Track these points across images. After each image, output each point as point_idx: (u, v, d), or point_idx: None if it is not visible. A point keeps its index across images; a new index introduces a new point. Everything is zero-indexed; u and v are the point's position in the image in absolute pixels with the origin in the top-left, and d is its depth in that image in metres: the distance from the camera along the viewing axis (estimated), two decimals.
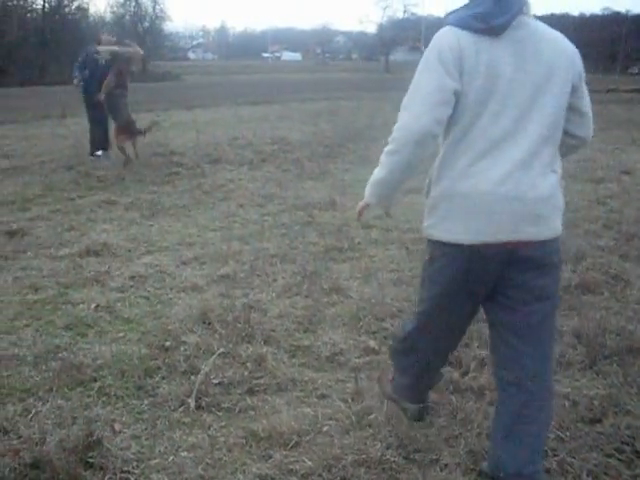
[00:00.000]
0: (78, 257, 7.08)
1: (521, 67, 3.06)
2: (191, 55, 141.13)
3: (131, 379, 4.47)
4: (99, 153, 13.43)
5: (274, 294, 5.97)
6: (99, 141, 13.62)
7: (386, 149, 3.21)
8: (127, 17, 78.57)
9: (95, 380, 4.46)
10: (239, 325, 5.17)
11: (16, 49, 53.17)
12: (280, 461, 3.57)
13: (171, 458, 3.63)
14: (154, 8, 78.61)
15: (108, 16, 79.82)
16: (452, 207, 3.14)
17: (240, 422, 3.99)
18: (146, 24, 78.51)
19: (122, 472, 3.49)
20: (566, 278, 6.17)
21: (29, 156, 13.86)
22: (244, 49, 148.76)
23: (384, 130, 3.75)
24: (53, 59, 53.91)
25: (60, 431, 3.76)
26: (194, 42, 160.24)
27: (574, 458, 3.55)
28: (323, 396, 4.28)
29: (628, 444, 3.70)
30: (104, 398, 4.25)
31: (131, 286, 6.25)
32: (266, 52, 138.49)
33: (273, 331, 5.18)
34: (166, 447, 3.74)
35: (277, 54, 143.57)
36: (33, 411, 4.05)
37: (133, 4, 77.66)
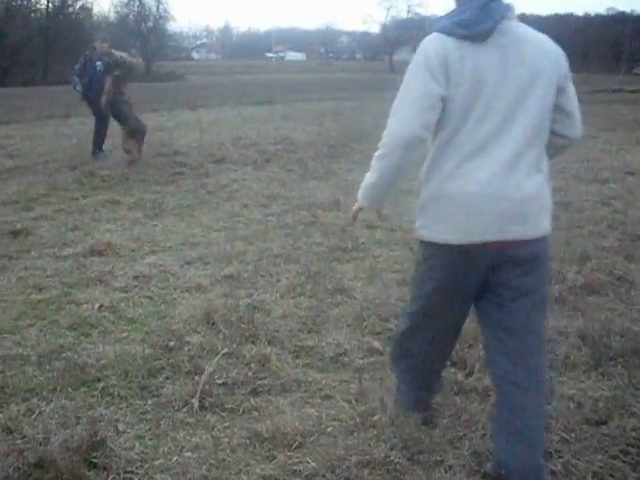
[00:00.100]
0: (82, 257, 7.08)
1: (505, 71, 3.15)
2: (195, 55, 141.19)
3: (135, 379, 4.46)
4: (96, 154, 13.46)
5: (278, 294, 5.96)
6: (100, 140, 13.66)
7: (376, 154, 3.31)
8: (131, 17, 78.78)
9: (99, 380, 4.46)
10: (243, 325, 5.16)
11: (20, 49, 53.28)
12: (284, 462, 3.56)
13: (175, 458, 3.63)
14: (158, 8, 78.86)
15: (112, 16, 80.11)
16: (440, 208, 3.24)
17: (244, 423, 3.99)
18: (150, 24, 78.70)
19: (126, 472, 3.49)
20: (571, 279, 6.17)
21: (33, 156, 13.87)
22: (248, 49, 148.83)
23: None
24: (57, 59, 54.01)
25: (64, 431, 3.76)
26: (198, 42, 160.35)
27: (579, 460, 3.54)
28: (327, 397, 4.27)
29: (633, 446, 3.68)
30: (108, 398, 4.25)
31: (135, 286, 6.25)
32: (270, 52, 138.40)
33: (277, 331, 5.18)
34: (170, 447, 3.73)
35: (281, 54, 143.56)
36: (37, 411, 4.05)
37: (137, 4, 77.90)
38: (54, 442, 3.61)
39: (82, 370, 4.54)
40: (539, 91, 3.20)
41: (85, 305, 5.76)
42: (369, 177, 3.41)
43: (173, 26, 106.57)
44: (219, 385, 4.35)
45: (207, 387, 4.25)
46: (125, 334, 5.21)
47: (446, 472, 3.47)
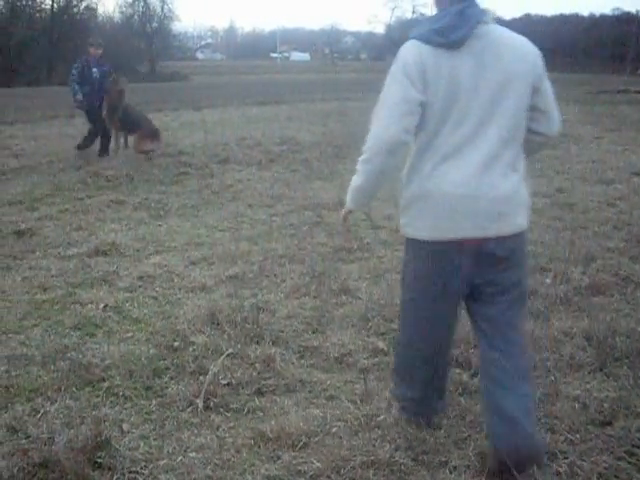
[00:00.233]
0: (86, 257, 7.08)
1: (481, 75, 3.30)
2: (199, 55, 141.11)
3: (139, 379, 4.47)
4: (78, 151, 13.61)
5: (283, 295, 5.97)
6: (89, 142, 13.79)
7: (361, 158, 3.48)
8: (136, 17, 78.72)
9: (103, 380, 4.46)
10: (248, 326, 5.16)
11: (25, 49, 53.28)
12: (289, 462, 3.56)
13: (179, 458, 3.63)
14: (162, 8, 78.79)
15: (117, 16, 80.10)
16: (421, 207, 3.43)
17: (248, 423, 3.99)
18: (154, 24, 78.69)
19: (130, 472, 3.49)
20: (576, 280, 6.17)
21: (37, 156, 13.87)
22: (252, 49, 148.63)
23: None
24: (61, 59, 53.93)
25: (68, 431, 3.76)
26: (202, 42, 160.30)
27: (584, 461, 3.53)
28: (332, 397, 4.28)
29: (639, 447, 3.67)
30: (112, 398, 4.26)
31: (139, 286, 6.26)
32: (274, 52, 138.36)
33: (282, 332, 5.18)
34: (174, 447, 3.74)
35: (285, 54, 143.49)
36: (42, 411, 4.05)
37: (142, 4, 77.84)
38: (59, 442, 3.62)
39: (87, 370, 4.55)
40: (514, 93, 3.34)
41: (90, 305, 5.76)
42: (355, 180, 3.56)
43: (178, 26, 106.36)
44: (224, 385, 4.35)
45: (212, 387, 4.25)
46: (130, 334, 5.21)
47: (451, 473, 3.47)
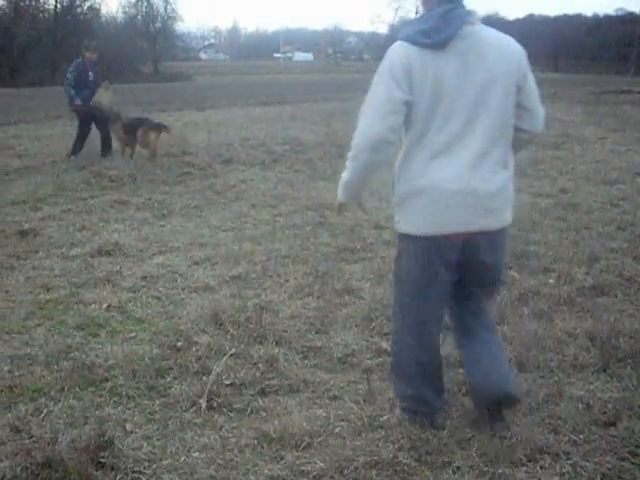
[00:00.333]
0: (90, 257, 7.09)
1: (465, 75, 3.46)
2: (203, 55, 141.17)
3: (143, 379, 4.47)
4: (72, 157, 13.60)
5: (286, 295, 5.96)
6: (78, 146, 13.83)
7: (349, 154, 3.66)
8: (139, 17, 78.83)
9: (107, 380, 4.46)
10: (251, 326, 5.17)
11: (28, 49, 53.40)
12: (292, 462, 3.56)
13: (183, 458, 3.63)
14: (166, 8, 78.94)
15: (120, 16, 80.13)
16: (413, 204, 3.59)
17: (252, 423, 3.98)
18: (158, 24, 78.80)
19: (134, 472, 3.49)
20: (579, 280, 6.16)
21: (41, 156, 13.91)
22: (256, 49, 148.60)
23: None
24: (65, 59, 53.82)
25: (72, 431, 3.77)
26: (206, 42, 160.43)
27: (588, 461, 3.53)
28: (335, 397, 4.27)
29: None
30: (116, 398, 4.26)
31: (143, 286, 6.26)
32: (278, 52, 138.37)
33: (285, 332, 5.18)
34: (178, 447, 3.74)
35: (289, 54, 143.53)
36: (45, 411, 4.06)
37: (145, 4, 77.96)
38: (62, 442, 3.62)
39: (90, 370, 4.55)
40: (499, 92, 3.50)
41: (93, 305, 5.76)
42: (344, 175, 3.75)
43: (181, 26, 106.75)
44: (227, 385, 4.35)
45: (215, 387, 4.25)
46: (133, 334, 5.22)
47: (454, 473, 3.46)
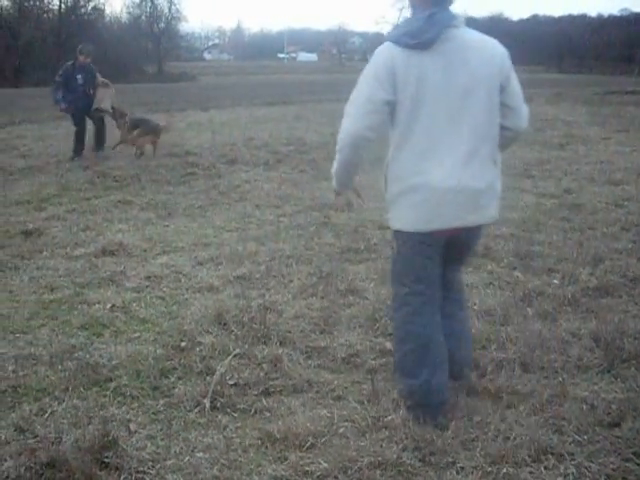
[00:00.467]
0: (94, 257, 7.10)
1: (449, 76, 3.63)
2: (207, 56, 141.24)
3: (147, 379, 4.47)
4: (76, 158, 13.62)
5: (290, 295, 5.96)
6: (80, 146, 13.88)
7: (336, 148, 3.88)
8: (143, 18, 78.93)
9: (111, 380, 4.47)
10: (255, 326, 5.16)
11: (32, 49, 53.39)
12: (296, 462, 3.56)
13: (186, 459, 3.63)
14: (170, 9, 78.99)
15: (124, 17, 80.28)
16: (406, 202, 3.77)
17: (256, 423, 3.99)
18: (162, 25, 78.89)
19: (137, 472, 3.49)
20: (584, 281, 6.16)
21: (45, 156, 13.93)
22: (260, 50, 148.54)
23: None
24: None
25: (76, 431, 3.77)
26: (210, 43, 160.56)
27: (592, 462, 3.53)
28: (339, 398, 4.27)
29: None
30: (120, 398, 4.26)
31: (147, 286, 6.26)
32: (282, 53, 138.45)
33: (289, 332, 5.17)
34: (181, 448, 3.74)
35: (293, 55, 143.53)
36: (49, 411, 4.06)
37: (149, 5, 78.07)
38: (66, 442, 3.63)
39: (94, 370, 4.56)
40: (483, 92, 3.68)
41: (97, 305, 5.77)
42: (333, 166, 3.99)
43: (185, 27, 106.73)
44: (231, 385, 4.35)
45: (219, 387, 4.26)
46: (137, 334, 5.22)
47: (458, 473, 3.46)
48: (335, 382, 4.46)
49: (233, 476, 3.48)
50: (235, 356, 4.67)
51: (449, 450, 3.63)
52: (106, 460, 3.53)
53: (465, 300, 4.54)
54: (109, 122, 13.98)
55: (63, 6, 61.19)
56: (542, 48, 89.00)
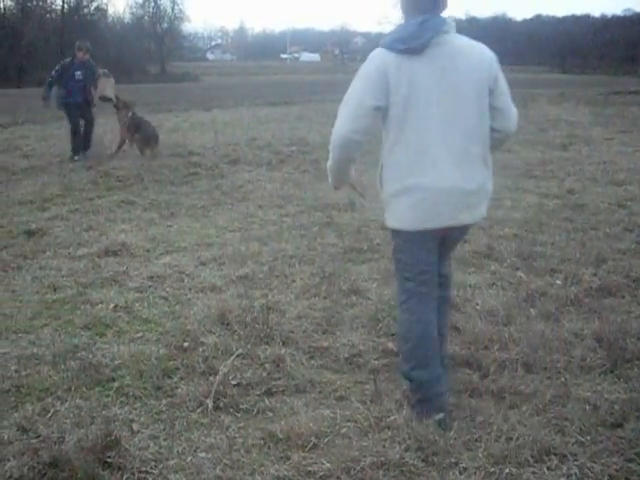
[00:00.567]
0: (97, 257, 7.10)
1: (440, 80, 3.76)
2: (209, 56, 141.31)
3: (149, 379, 4.47)
4: (76, 157, 13.66)
5: (293, 295, 5.96)
6: (78, 144, 13.87)
7: (329, 147, 3.99)
8: (146, 18, 79.04)
9: (113, 380, 4.47)
10: (257, 326, 5.16)
11: (35, 49, 53.47)
12: (298, 462, 3.56)
13: (189, 458, 3.63)
14: (173, 9, 79.17)
15: (127, 17, 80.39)
16: (402, 202, 3.89)
17: (258, 423, 3.99)
18: (165, 25, 79.06)
19: (140, 472, 3.49)
20: (587, 281, 6.15)
21: (48, 156, 13.95)
22: (263, 50, 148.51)
23: None
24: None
25: (79, 430, 3.77)
26: (213, 43, 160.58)
27: (595, 462, 3.52)
28: (342, 398, 4.27)
29: None
30: (122, 398, 4.26)
31: (150, 286, 6.27)
32: (285, 53, 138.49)
33: (292, 332, 5.17)
34: (184, 447, 3.74)
35: (296, 55, 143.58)
36: (52, 410, 4.06)
37: (152, 5, 78.25)
38: (69, 441, 3.63)
39: (97, 370, 4.56)
40: (473, 96, 3.82)
41: (100, 305, 5.77)
42: (327, 164, 4.12)
43: (188, 27, 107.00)
44: (233, 386, 4.35)
45: (221, 387, 4.25)
46: (140, 334, 5.22)
47: (461, 474, 3.46)
48: (338, 382, 4.46)
49: (236, 476, 3.48)
50: (238, 356, 4.67)
51: (452, 450, 3.63)
52: (109, 460, 3.53)
53: (450, 297, 4.66)
54: (108, 122, 13.96)
55: (66, 6, 61.34)
56: (545, 48, 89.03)
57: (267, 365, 4.62)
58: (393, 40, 3.81)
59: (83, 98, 13.69)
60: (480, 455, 3.58)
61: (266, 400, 4.23)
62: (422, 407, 3.92)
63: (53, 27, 59.77)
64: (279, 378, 4.48)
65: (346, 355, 4.83)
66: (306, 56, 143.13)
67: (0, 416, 4.02)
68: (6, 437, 3.76)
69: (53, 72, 13.64)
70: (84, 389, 4.34)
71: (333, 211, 9.07)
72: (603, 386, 4.36)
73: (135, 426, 3.93)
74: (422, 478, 3.44)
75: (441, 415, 3.87)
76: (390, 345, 4.91)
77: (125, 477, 3.45)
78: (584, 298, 5.80)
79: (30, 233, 8.02)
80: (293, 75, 72.85)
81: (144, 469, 3.52)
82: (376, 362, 4.74)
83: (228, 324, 5.24)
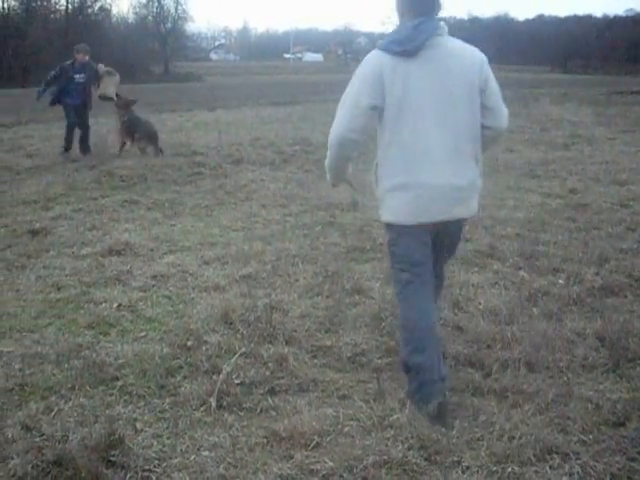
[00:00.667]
0: (100, 256, 7.11)
1: (433, 81, 3.94)
2: (213, 56, 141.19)
3: (153, 378, 4.48)
4: (67, 154, 13.81)
5: (296, 294, 5.97)
6: (70, 141, 14.00)
7: (327, 145, 4.18)
8: (150, 18, 79.09)
9: (117, 379, 4.48)
10: (261, 325, 5.17)
11: (39, 50, 53.46)
12: (301, 461, 3.57)
13: (192, 457, 3.64)
14: (176, 9, 79.24)
15: (131, 17, 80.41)
16: (397, 198, 4.06)
17: (261, 422, 3.99)
18: (168, 25, 79.13)
19: (144, 471, 3.50)
20: (589, 280, 6.15)
21: (52, 156, 13.95)
22: (266, 50, 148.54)
23: None
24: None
25: (82, 429, 3.78)
26: (216, 43, 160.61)
27: (597, 462, 3.52)
28: (344, 397, 4.28)
29: None
30: (126, 397, 4.27)
31: (153, 285, 6.28)
32: (288, 53, 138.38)
33: (295, 331, 5.18)
34: (187, 446, 3.75)
35: (299, 55, 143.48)
36: (56, 409, 4.07)
37: (156, 5, 78.31)
38: (72, 440, 3.64)
39: (100, 369, 4.57)
40: (465, 96, 3.99)
41: (104, 304, 5.78)
42: (325, 162, 4.35)
43: (192, 27, 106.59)
44: (237, 384, 4.36)
45: (225, 386, 4.26)
46: (143, 333, 5.23)
47: (463, 473, 3.46)
48: (341, 381, 4.47)
49: (239, 475, 3.49)
50: (241, 355, 4.68)
51: (454, 449, 3.64)
52: (112, 458, 3.55)
53: (441, 293, 4.85)
54: (111, 121, 13.96)
55: (70, 7, 61.36)
56: (547, 48, 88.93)
57: (270, 364, 4.62)
58: (389, 42, 3.97)
59: (81, 100, 13.71)
60: (482, 454, 3.59)
61: (269, 399, 4.23)
62: (420, 394, 3.97)
63: (57, 27, 59.79)
64: (282, 377, 4.49)
65: (349, 354, 4.84)
66: (309, 56, 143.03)
67: (4, 414, 4.03)
68: (10, 435, 3.77)
69: (52, 72, 13.68)
70: (88, 388, 4.35)
71: (336, 210, 9.08)
72: (605, 385, 4.37)
73: (139, 425, 3.94)
74: (425, 477, 3.45)
75: (440, 399, 3.90)
76: (393, 344, 4.92)
77: (129, 476, 3.46)
78: (586, 297, 5.80)
79: (34, 232, 8.03)
80: (296, 75, 72.83)
81: (147, 468, 3.53)
82: (379, 361, 4.75)
83: (231, 323, 5.25)
